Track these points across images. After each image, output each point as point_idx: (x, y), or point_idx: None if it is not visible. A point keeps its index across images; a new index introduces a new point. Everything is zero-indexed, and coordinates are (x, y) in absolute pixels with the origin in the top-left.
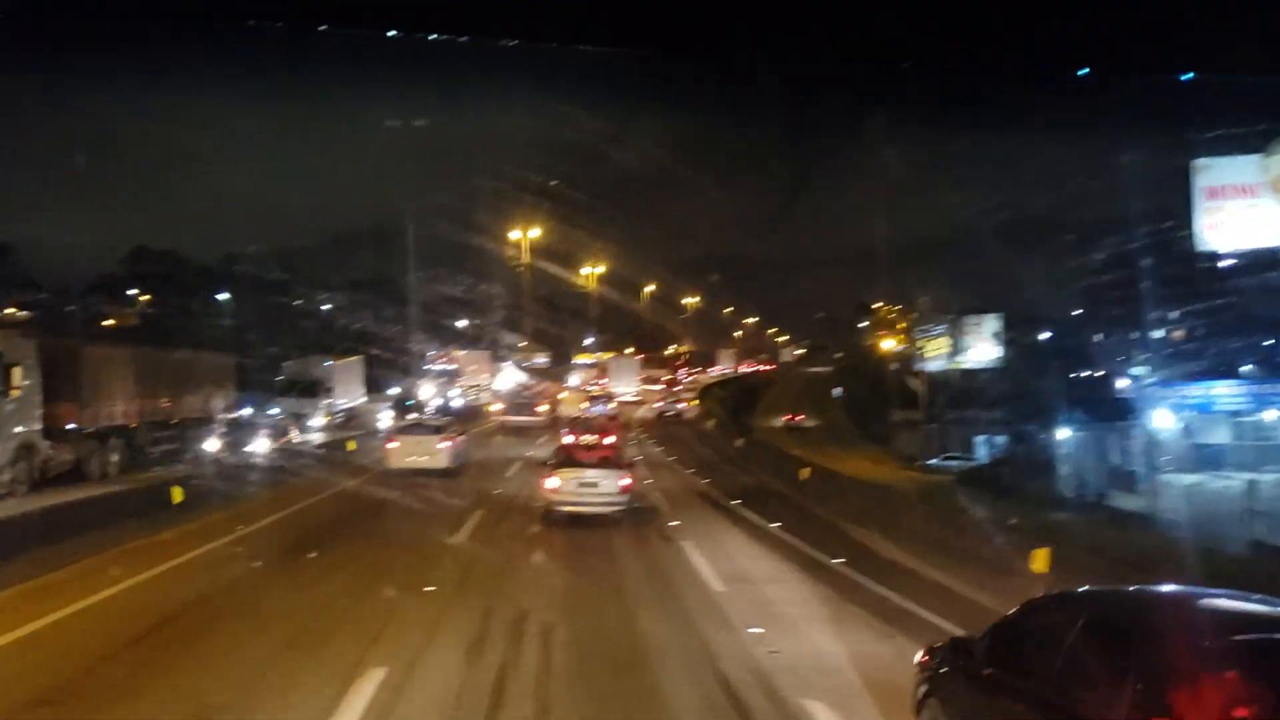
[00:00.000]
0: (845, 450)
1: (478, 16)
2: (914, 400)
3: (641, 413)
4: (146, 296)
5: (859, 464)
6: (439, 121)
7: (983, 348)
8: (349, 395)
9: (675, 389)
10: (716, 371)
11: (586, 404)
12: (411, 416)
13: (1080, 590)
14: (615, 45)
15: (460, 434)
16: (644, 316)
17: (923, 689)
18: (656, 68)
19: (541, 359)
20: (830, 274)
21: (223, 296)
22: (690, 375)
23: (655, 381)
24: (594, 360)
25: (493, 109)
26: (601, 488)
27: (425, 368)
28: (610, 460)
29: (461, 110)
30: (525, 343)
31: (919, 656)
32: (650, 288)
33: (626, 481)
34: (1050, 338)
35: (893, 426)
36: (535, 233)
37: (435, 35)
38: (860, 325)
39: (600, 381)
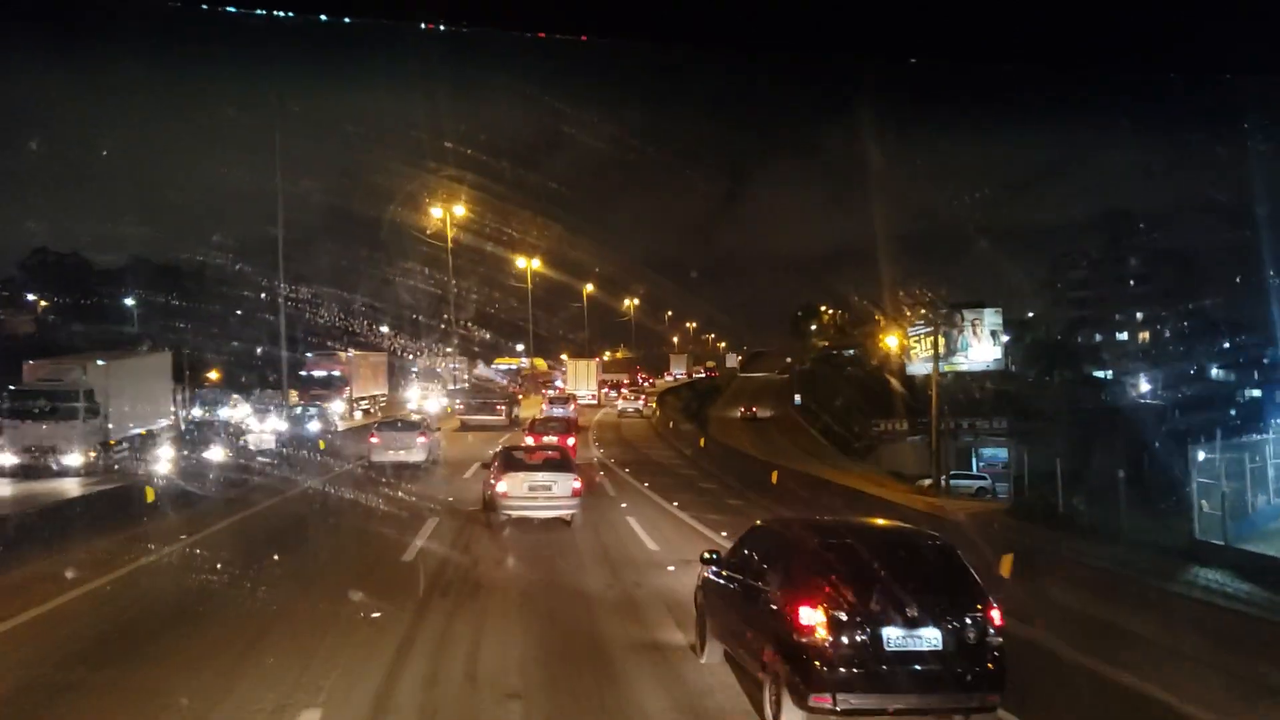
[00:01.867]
0: (827, 465)
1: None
2: (891, 408)
3: (600, 416)
4: (44, 302)
5: (854, 482)
6: (356, 111)
7: (981, 347)
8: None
9: (635, 392)
10: (670, 377)
11: (546, 406)
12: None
13: (775, 519)
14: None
15: (436, 430)
16: (584, 321)
17: (697, 583)
18: (601, 63)
19: (502, 366)
20: (766, 280)
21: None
22: (647, 380)
23: (614, 385)
24: (516, 365)
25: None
26: (554, 490)
27: (301, 373)
28: (561, 462)
29: (383, 102)
30: (452, 347)
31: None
32: (589, 289)
33: (578, 484)
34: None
35: (876, 438)
36: (463, 231)
37: (350, 18)
38: (813, 328)
39: (558, 385)
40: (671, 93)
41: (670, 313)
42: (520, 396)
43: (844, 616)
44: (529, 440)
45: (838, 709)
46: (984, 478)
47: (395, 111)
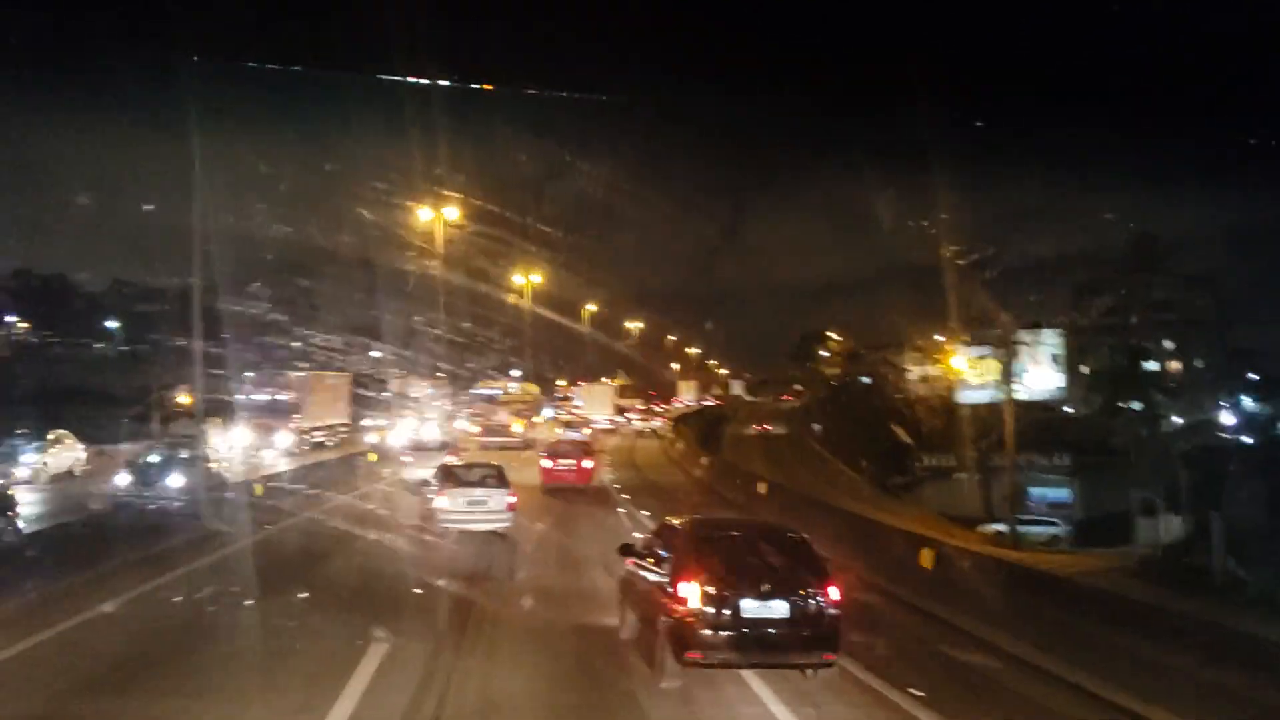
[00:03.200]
0: (867, 504)
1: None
2: (930, 441)
3: (615, 441)
4: (26, 324)
5: (912, 526)
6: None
7: (1040, 373)
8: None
9: (650, 415)
10: (680, 404)
11: (561, 430)
12: None
13: (680, 517)
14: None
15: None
16: (584, 344)
17: (621, 573)
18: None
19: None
20: (765, 308)
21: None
22: (661, 405)
23: (629, 411)
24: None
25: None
26: (489, 505)
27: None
28: (496, 479)
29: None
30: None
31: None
32: (592, 310)
33: (512, 499)
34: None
35: (919, 475)
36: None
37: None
38: (823, 354)
39: (574, 409)
40: (668, 127)
41: (674, 337)
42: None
43: (712, 591)
44: (544, 463)
45: (705, 663)
46: (1055, 522)
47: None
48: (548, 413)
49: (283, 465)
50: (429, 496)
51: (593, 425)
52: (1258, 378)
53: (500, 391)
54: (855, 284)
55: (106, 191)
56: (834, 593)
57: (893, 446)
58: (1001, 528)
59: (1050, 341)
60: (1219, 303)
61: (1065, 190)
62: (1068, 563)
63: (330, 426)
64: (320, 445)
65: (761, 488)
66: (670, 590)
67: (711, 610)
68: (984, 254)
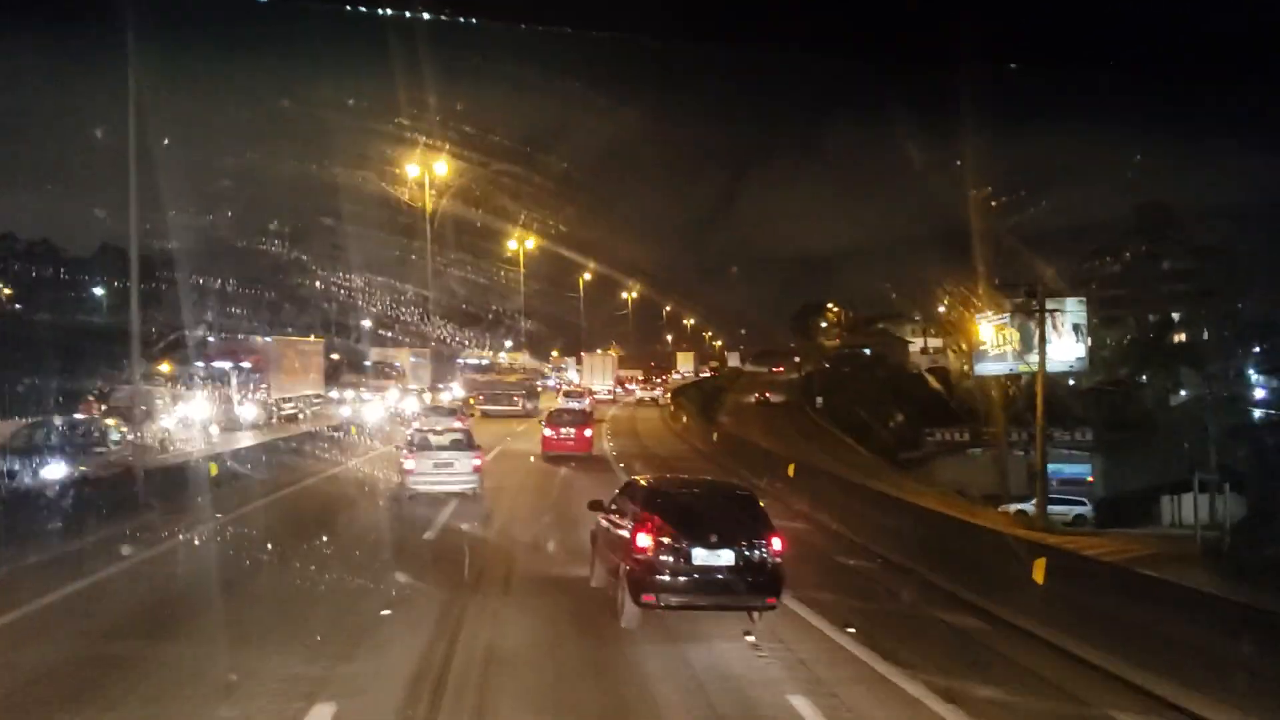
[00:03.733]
0: (881, 480)
1: None
2: (939, 414)
3: (615, 411)
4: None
5: (933, 503)
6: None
7: (1062, 344)
8: None
9: (650, 384)
10: (678, 375)
11: (561, 399)
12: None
13: (643, 477)
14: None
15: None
16: (581, 312)
17: (592, 527)
18: (602, 57)
19: (472, 360)
20: (762, 278)
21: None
22: (661, 376)
23: (629, 381)
24: (489, 360)
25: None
26: (456, 468)
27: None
28: (464, 443)
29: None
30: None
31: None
32: (586, 277)
33: (478, 462)
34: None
35: (930, 450)
36: (449, 218)
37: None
38: (822, 325)
39: (574, 380)
40: (669, 91)
41: (669, 307)
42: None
43: (666, 541)
44: (546, 432)
45: (659, 605)
46: (1082, 501)
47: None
48: (549, 382)
49: (247, 440)
50: (400, 461)
51: (594, 395)
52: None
53: (487, 360)
54: (855, 255)
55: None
56: (776, 543)
57: (900, 420)
58: (1025, 507)
59: (1072, 310)
60: (1232, 273)
61: (1081, 157)
62: (1107, 547)
63: (304, 398)
64: (293, 418)
65: (789, 470)
66: (629, 540)
67: (665, 558)
68: (1013, 201)
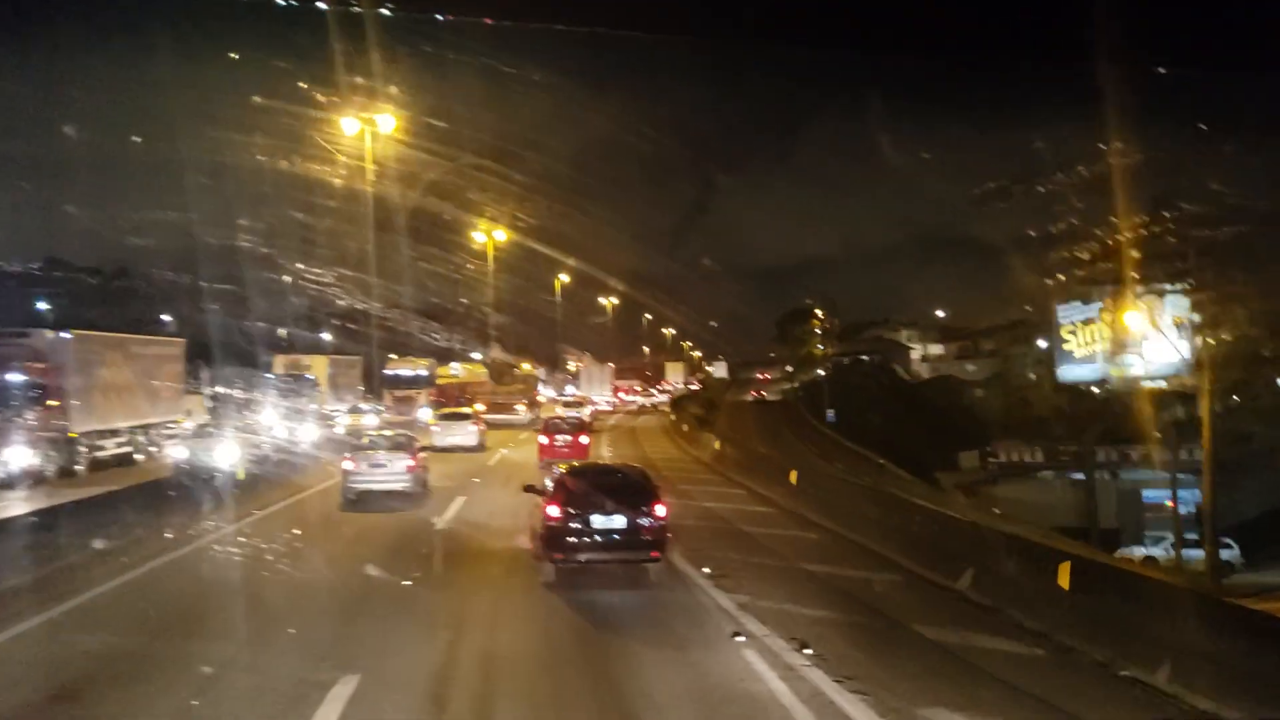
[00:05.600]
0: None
1: None
2: (977, 428)
3: (614, 421)
4: None
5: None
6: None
7: (1160, 343)
8: None
9: (649, 396)
10: (669, 385)
11: (561, 409)
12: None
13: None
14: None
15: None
16: (557, 321)
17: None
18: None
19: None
20: (739, 289)
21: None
22: (655, 387)
23: (627, 391)
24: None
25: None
26: (390, 468)
27: None
28: (400, 445)
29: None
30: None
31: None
32: (563, 279)
33: (410, 463)
34: None
35: (994, 471)
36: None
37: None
38: (816, 332)
39: (573, 390)
40: (647, 97)
41: (649, 316)
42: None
43: (571, 511)
44: (541, 439)
45: (566, 562)
46: (1228, 543)
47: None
48: (548, 392)
49: None
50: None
51: (594, 405)
52: None
53: (424, 372)
54: (830, 263)
55: None
56: (660, 510)
57: (937, 434)
58: (1154, 552)
59: (1173, 305)
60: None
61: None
62: None
63: (146, 427)
64: (125, 459)
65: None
66: (543, 512)
67: (570, 525)
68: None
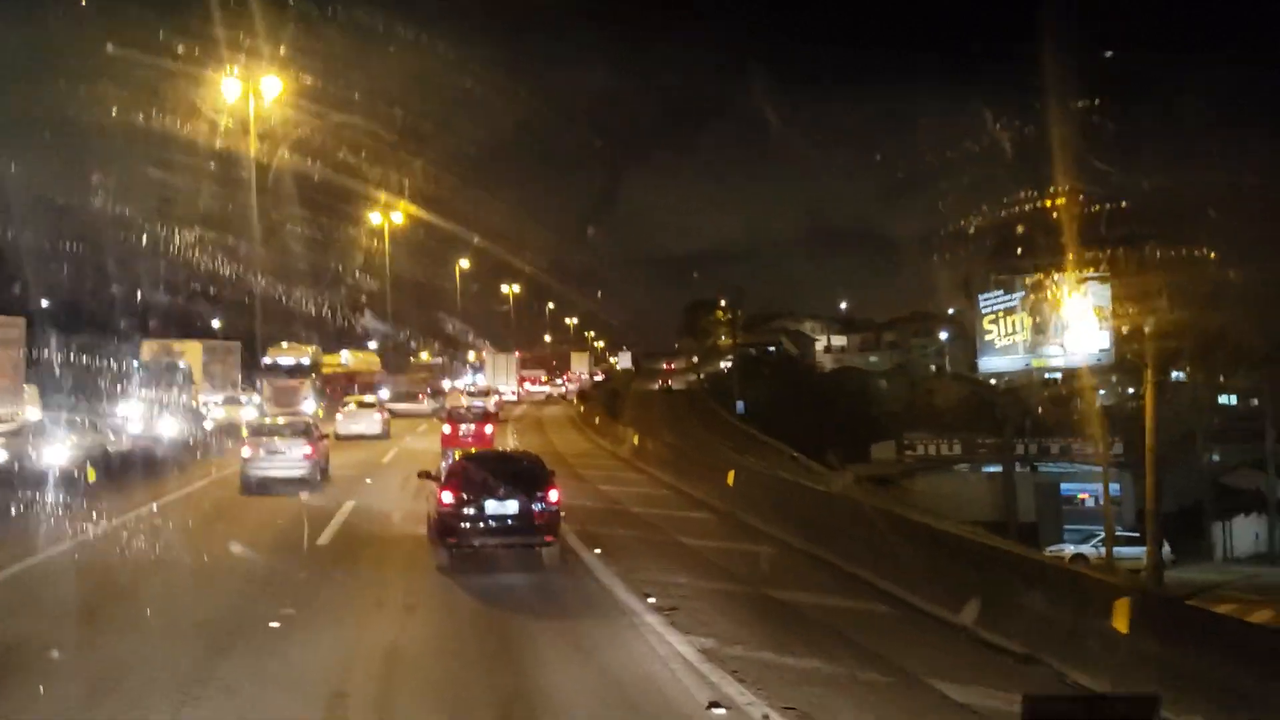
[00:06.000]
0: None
1: None
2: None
3: (520, 411)
4: None
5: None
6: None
7: (1083, 332)
8: None
9: (554, 386)
10: (574, 375)
11: (466, 399)
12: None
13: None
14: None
15: (384, 412)
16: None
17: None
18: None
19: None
20: (642, 280)
21: None
22: (561, 377)
23: (533, 381)
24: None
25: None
26: (287, 455)
27: None
28: (299, 432)
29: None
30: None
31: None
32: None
33: (308, 450)
34: None
35: (909, 465)
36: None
37: None
38: (722, 322)
39: (477, 380)
40: (550, 87)
41: (551, 305)
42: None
43: (464, 496)
44: (445, 429)
45: (461, 546)
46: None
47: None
48: (455, 382)
49: None
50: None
51: (499, 395)
52: None
53: (307, 360)
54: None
55: None
56: (553, 495)
57: (846, 426)
58: (1084, 549)
59: (1096, 294)
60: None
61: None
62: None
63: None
64: None
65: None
66: (438, 498)
67: (464, 511)
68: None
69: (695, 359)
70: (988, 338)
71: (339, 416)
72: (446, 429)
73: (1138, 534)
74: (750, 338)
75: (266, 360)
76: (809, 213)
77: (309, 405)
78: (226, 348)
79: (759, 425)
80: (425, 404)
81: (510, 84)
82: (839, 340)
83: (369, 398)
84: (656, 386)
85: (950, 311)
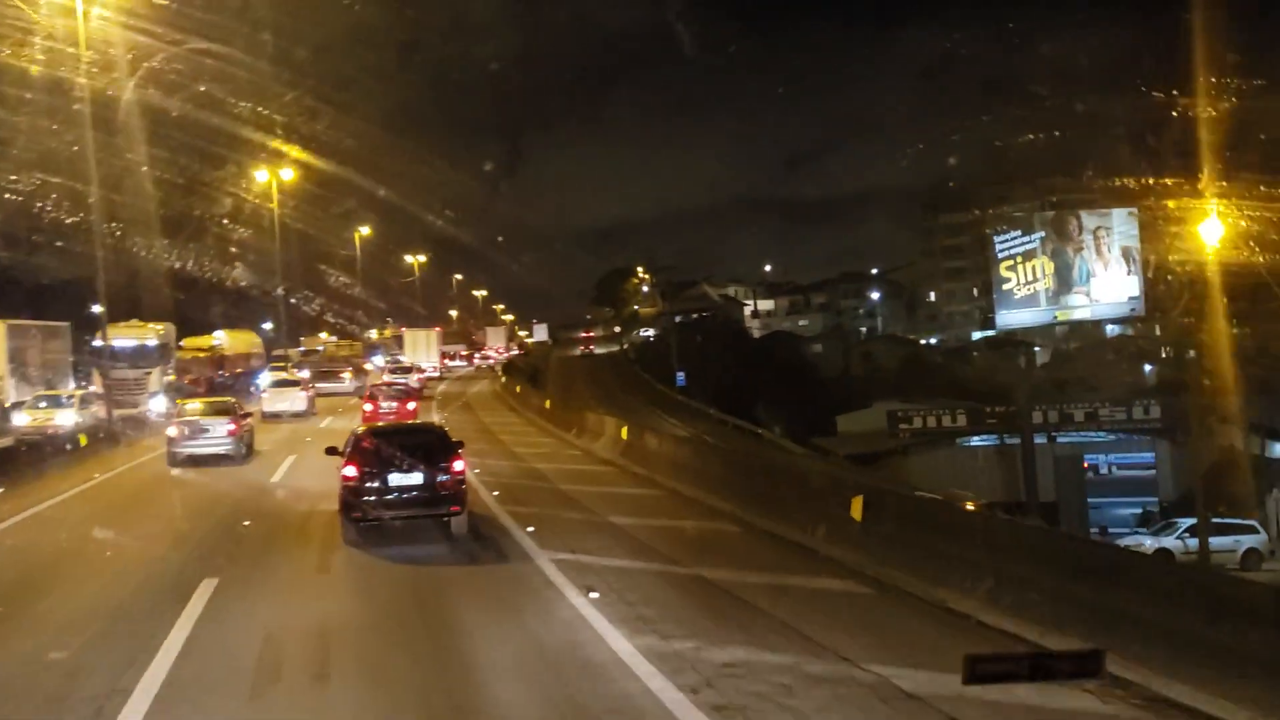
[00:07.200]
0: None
1: None
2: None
3: (443, 388)
4: None
5: None
6: None
7: (1109, 278)
8: None
9: (473, 362)
10: (493, 351)
11: (387, 375)
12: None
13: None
14: None
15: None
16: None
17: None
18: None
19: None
20: (551, 250)
21: None
22: (481, 352)
23: (454, 357)
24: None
25: None
26: (212, 432)
27: None
28: (222, 410)
29: None
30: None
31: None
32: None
33: (232, 427)
34: None
35: (904, 442)
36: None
37: None
38: (634, 289)
39: (399, 356)
40: (454, 53)
41: (459, 276)
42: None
43: (367, 470)
44: (366, 407)
45: (366, 519)
46: (1254, 527)
47: None
48: (374, 361)
49: None
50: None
51: (421, 372)
52: None
53: (154, 342)
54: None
55: None
56: (458, 465)
57: (800, 397)
58: (1169, 543)
59: (1121, 230)
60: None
61: None
62: None
63: None
64: None
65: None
66: (342, 473)
67: (367, 484)
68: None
69: (617, 329)
70: (1005, 287)
71: (264, 395)
72: (368, 406)
73: (1252, 524)
74: (674, 305)
75: (99, 343)
76: (718, 181)
77: (157, 404)
78: (48, 329)
79: (702, 399)
80: (348, 383)
81: (412, 53)
82: (766, 304)
83: (293, 376)
84: (579, 353)
85: (874, 272)
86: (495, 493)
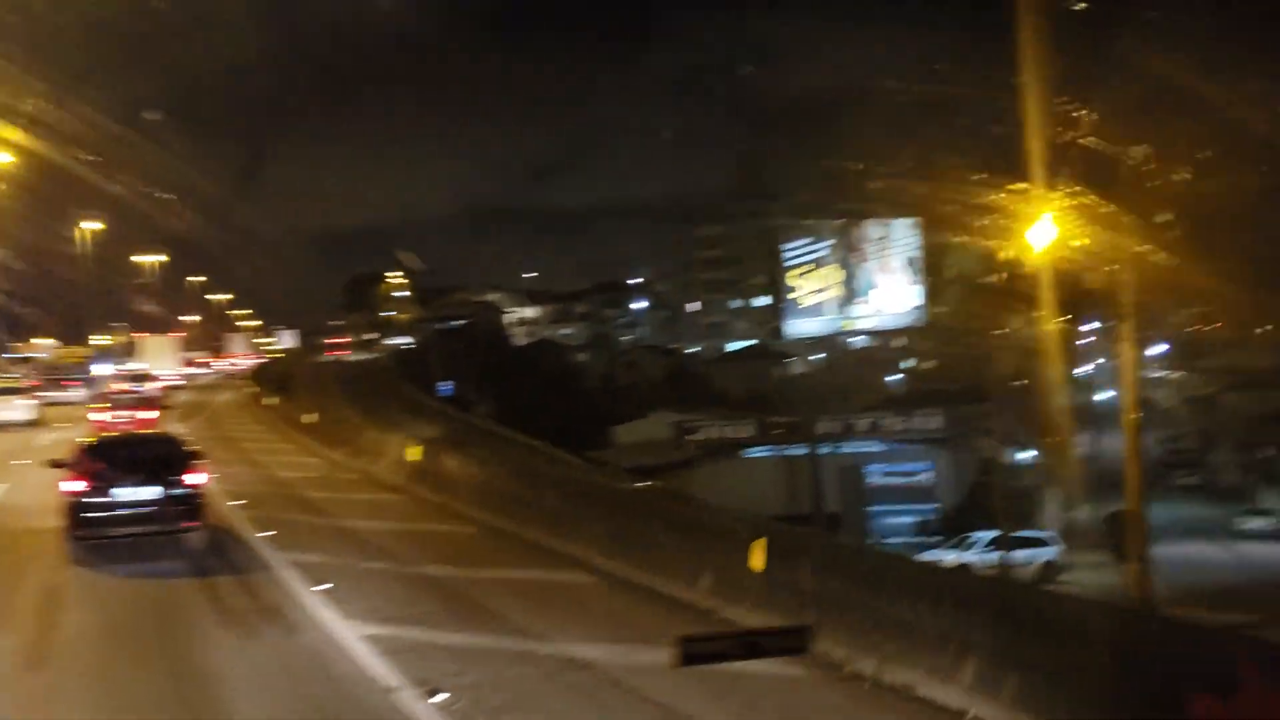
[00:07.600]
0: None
1: None
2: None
3: (185, 397)
4: None
5: None
6: None
7: (894, 286)
8: None
9: (218, 370)
10: (237, 358)
11: (119, 383)
12: None
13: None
14: None
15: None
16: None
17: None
18: None
19: None
20: (295, 255)
21: None
22: (226, 358)
23: (196, 364)
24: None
25: None
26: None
27: None
28: (17, 393)
29: None
30: None
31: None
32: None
33: (33, 403)
34: None
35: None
36: None
37: None
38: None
39: (132, 365)
40: (188, 50)
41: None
42: None
43: (91, 485)
44: (96, 417)
45: (91, 538)
46: (1050, 540)
47: None
48: (105, 368)
49: None
50: None
51: (159, 380)
52: None
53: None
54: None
55: None
56: (195, 478)
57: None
58: (969, 556)
59: (904, 239)
60: None
61: None
62: None
63: None
64: None
65: None
66: (63, 489)
67: (92, 500)
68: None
69: (376, 334)
70: (792, 295)
71: None
72: (99, 416)
73: (1041, 535)
74: (431, 311)
75: None
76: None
77: None
78: None
79: (469, 409)
80: (76, 392)
81: (152, 47)
82: (529, 312)
83: (16, 383)
84: (329, 358)
85: (637, 281)
86: (260, 534)
